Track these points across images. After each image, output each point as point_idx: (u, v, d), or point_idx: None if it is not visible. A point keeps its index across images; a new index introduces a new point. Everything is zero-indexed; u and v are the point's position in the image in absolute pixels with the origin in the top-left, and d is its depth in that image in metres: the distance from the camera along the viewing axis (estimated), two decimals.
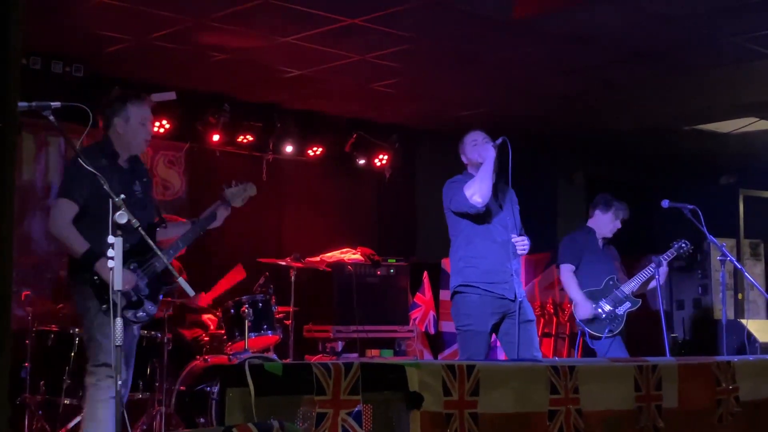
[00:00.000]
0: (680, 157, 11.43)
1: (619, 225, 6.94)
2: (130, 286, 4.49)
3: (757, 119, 9.40)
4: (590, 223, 6.98)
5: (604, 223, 6.89)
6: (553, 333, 9.02)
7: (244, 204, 5.12)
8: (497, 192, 5.63)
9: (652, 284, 6.74)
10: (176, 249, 4.79)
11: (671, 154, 11.26)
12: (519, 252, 5.53)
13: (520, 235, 5.58)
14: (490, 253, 5.49)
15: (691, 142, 10.53)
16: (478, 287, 5.46)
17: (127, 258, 4.47)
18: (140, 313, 4.58)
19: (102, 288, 4.40)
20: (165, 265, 4.55)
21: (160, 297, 4.71)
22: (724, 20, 6.48)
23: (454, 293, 5.58)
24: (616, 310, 6.69)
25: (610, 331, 6.65)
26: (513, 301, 5.46)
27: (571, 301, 6.91)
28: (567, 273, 6.79)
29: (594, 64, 7.58)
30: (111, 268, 3.96)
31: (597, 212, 6.94)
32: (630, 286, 6.77)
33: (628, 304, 6.73)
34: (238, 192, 5.05)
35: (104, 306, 4.41)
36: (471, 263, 5.51)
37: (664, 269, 6.75)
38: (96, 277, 4.41)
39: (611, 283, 6.78)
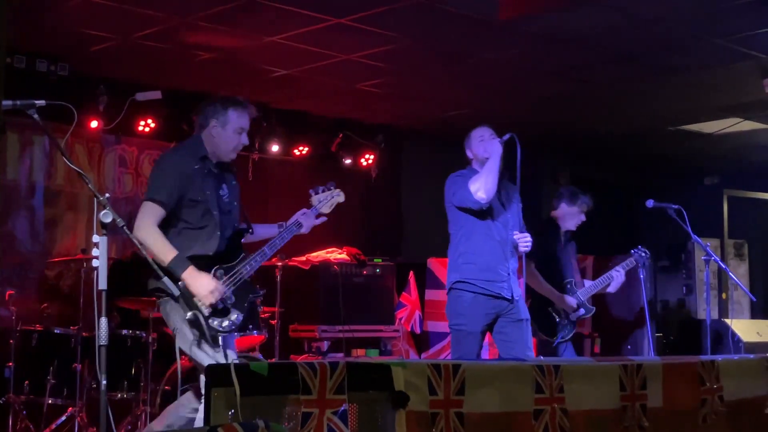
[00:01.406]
0: (665, 158, 11.48)
1: (584, 218, 6.77)
2: (217, 297, 4.31)
3: (741, 120, 9.45)
4: (553, 214, 6.81)
5: (570, 215, 6.73)
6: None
7: (331, 210, 5.01)
8: (500, 189, 5.58)
9: (609, 290, 6.77)
10: (263, 257, 4.62)
11: (656, 154, 11.31)
12: (522, 249, 5.51)
13: (522, 232, 5.57)
14: (489, 250, 5.47)
15: (675, 143, 10.58)
16: (474, 284, 5.44)
17: (214, 263, 4.41)
18: (225, 323, 4.37)
19: (190, 296, 4.28)
20: (251, 272, 4.50)
21: (247, 305, 4.49)
22: (707, 22, 6.51)
23: (450, 289, 5.57)
24: (570, 316, 6.56)
25: (563, 337, 6.51)
26: (509, 301, 5.46)
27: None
28: (530, 269, 6.34)
29: (579, 65, 7.60)
30: (198, 277, 3.94)
31: (563, 205, 6.75)
32: (586, 293, 6.67)
33: (582, 311, 6.61)
34: (325, 198, 4.96)
35: (189, 314, 4.25)
36: (469, 260, 5.49)
37: (620, 277, 6.72)
38: (182, 285, 4.25)
39: (569, 287, 6.62)
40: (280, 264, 7.12)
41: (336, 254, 8.27)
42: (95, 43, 7.00)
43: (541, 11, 6.33)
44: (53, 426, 6.10)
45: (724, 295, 10.83)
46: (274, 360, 6.72)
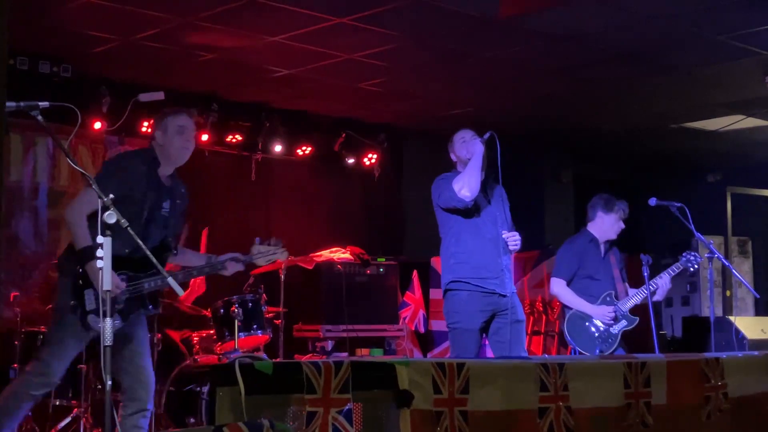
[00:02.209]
0: (667, 156, 11.47)
1: (622, 225, 6.45)
2: (119, 290, 4.37)
3: (744, 117, 9.44)
4: (591, 227, 6.46)
5: (609, 224, 6.40)
6: (543, 331, 9.02)
7: (266, 265, 4.97)
8: (486, 188, 5.63)
9: (656, 297, 6.35)
10: (187, 276, 4.71)
11: (658, 152, 11.30)
12: (511, 248, 5.53)
13: (511, 231, 5.58)
14: (480, 249, 5.49)
15: (678, 141, 10.57)
16: (468, 283, 5.46)
17: (121, 266, 4.43)
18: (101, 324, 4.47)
19: (82, 285, 4.37)
20: (154, 288, 4.51)
21: (131, 317, 4.51)
22: (709, 19, 6.51)
23: (445, 291, 5.58)
24: (611, 329, 6.24)
25: (601, 351, 6.18)
26: (504, 296, 5.46)
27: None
28: (559, 287, 6.32)
29: (580, 63, 7.60)
30: (100, 269, 3.96)
31: (599, 213, 6.40)
32: (628, 304, 6.31)
33: (624, 323, 6.27)
34: (266, 252, 4.82)
35: (72, 302, 4.37)
36: (461, 259, 5.51)
37: (666, 284, 6.32)
38: (81, 271, 4.37)
39: (608, 299, 6.29)
40: (283, 264, 7.12)
41: (339, 254, 8.27)
42: (98, 44, 7.01)
43: (541, 9, 6.32)
44: (58, 427, 6.10)
45: (728, 293, 10.83)
46: (278, 360, 6.72)
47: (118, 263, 4.39)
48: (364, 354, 8.06)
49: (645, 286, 6.27)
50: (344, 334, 7.88)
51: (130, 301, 4.49)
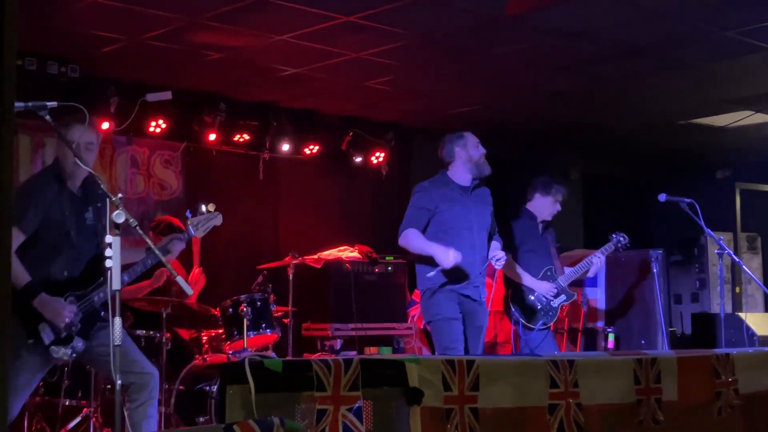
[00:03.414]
0: (676, 152, 11.44)
1: (559, 208, 6.89)
2: (70, 318, 4.37)
3: (753, 113, 9.41)
4: (529, 206, 6.90)
5: (545, 206, 6.85)
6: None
7: (205, 234, 4.81)
8: (469, 194, 5.85)
9: (589, 275, 6.95)
10: (133, 273, 4.53)
11: (667, 148, 11.27)
12: (496, 267, 5.81)
13: (494, 234, 5.90)
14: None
15: (687, 137, 10.54)
16: (444, 286, 5.66)
17: (67, 289, 4.44)
18: (67, 351, 4.41)
19: (34, 321, 4.33)
20: (104, 299, 4.42)
21: (91, 333, 4.50)
22: (717, 14, 6.49)
23: (422, 295, 5.81)
24: (551, 302, 6.67)
25: (544, 323, 6.64)
26: (476, 302, 5.72)
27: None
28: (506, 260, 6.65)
29: (588, 60, 7.58)
30: (50, 302, 3.94)
31: (536, 195, 6.87)
32: (567, 279, 6.78)
33: (563, 297, 6.72)
34: (200, 221, 4.73)
35: (30, 340, 4.33)
36: (436, 267, 5.65)
37: (600, 262, 6.85)
38: (29, 308, 4.31)
39: (549, 273, 6.75)
40: (292, 263, 7.13)
41: (348, 252, 8.27)
42: (105, 44, 7.02)
43: (549, 5, 6.31)
44: (68, 427, 6.11)
45: (737, 289, 10.79)
46: (287, 358, 6.73)
47: (60, 287, 4.45)
48: (373, 352, 8.06)
49: (581, 263, 6.85)
50: (353, 333, 7.88)
51: (85, 319, 4.48)
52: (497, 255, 5.75)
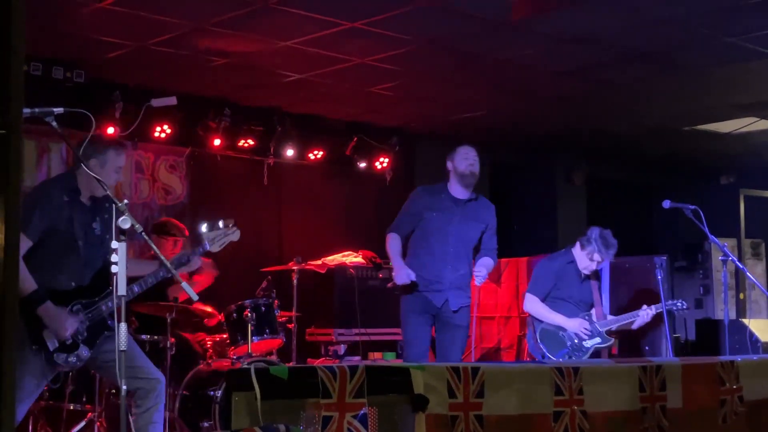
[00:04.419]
0: (680, 158, 11.44)
1: (593, 267, 6.59)
2: (72, 331, 4.38)
3: (757, 119, 9.41)
4: (573, 250, 6.69)
5: (580, 258, 6.61)
6: None
7: (222, 249, 4.82)
8: (453, 207, 6.00)
9: (633, 327, 6.66)
10: (142, 285, 4.56)
11: (671, 154, 11.27)
12: (476, 282, 5.92)
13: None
14: (426, 264, 5.93)
15: (691, 143, 10.54)
16: (413, 291, 5.93)
17: (73, 298, 4.46)
18: (72, 359, 4.43)
19: (38, 328, 4.34)
20: (112, 309, 4.42)
21: (97, 342, 4.51)
22: (721, 20, 6.49)
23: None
24: (584, 342, 6.46)
25: (568, 356, 6.40)
26: (439, 308, 5.90)
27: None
28: (533, 302, 6.52)
29: (593, 65, 7.59)
30: (54, 312, 3.92)
31: (578, 244, 6.65)
32: (606, 325, 6.56)
33: (598, 340, 6.50)
34: (218, 236, 4.76)
35: (35, 347, 4.34)
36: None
37: (647, 317, 6.58)
38: (34, 316, 4.31)
39: (586, 318, 6.55)
40: (296, 268, 7.13)
41: (352, 258, 8.28)
42: (111, 49, 7.03)
43: (553, 11, 6.31)
44: (73, 431, 6.12)
45: (741, 295, 10.79)
46: (291, 364, 6.73)
47: (67, 296, 4.46)
48: (376, 357, 8.06)
49: (627, 314, 6.62)
50: (357, 338, 7.89)
51: (92, 328, 4.50)
52: (480, 272, 5.88)
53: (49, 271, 4.43)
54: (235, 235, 4.83)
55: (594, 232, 6.58)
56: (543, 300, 6.53)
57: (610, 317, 6.65)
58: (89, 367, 4.72)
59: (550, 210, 11.14)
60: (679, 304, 6.75)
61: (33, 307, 4.31)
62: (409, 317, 5.99)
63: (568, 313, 6.51)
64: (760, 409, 4.56)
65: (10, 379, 2.04)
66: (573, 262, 6.62)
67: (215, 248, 4.76)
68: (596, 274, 6.71)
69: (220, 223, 4.78)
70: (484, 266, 5.94)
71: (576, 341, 6.45)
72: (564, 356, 6.39)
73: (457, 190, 6.05)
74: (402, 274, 5.85)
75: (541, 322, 6.50)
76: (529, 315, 6.63)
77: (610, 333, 6.60)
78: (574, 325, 6.45)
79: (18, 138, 2.38)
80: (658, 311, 6.63)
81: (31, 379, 4.40)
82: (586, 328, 6.45)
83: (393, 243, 6.05)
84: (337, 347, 8.01)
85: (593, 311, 6.60)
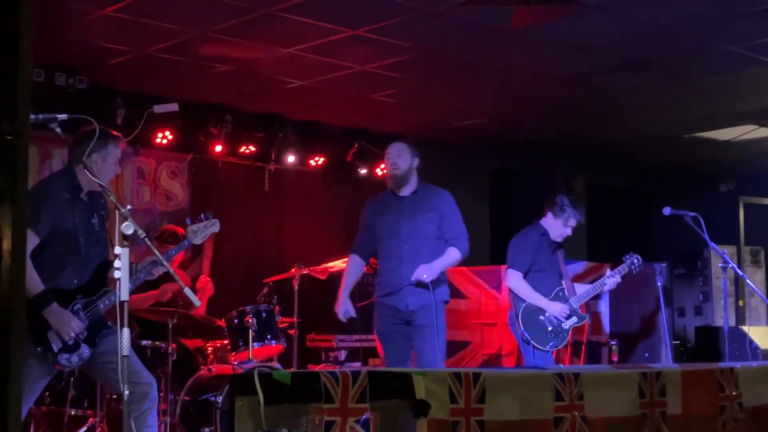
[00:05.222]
0: (680, 165, 11.46)
1: (568, 232, 6.73)
2: (77, 332, 4.41)
3: (756, 127, 9.44)
4: (543, 222, 6.76)
5: (554, 227, 6.70)
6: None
7: (203, 241, 4.91)
8: (398, 205, 5.97)
9: (605, 290, 6.87)
10: (137, 281, 4.59)
11: (671, 161, 11.30)
12: (424, 280, 5.74)
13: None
14: (386, 270, 5.92)
15: (690, 150, 10.57)
16: (379, 300, 5.96)
17: (75, 296, 4.48)
18: (74, 358, 4.45)
19: (42, 328, 4.36)
20: (110, 306, 4.47)
21: (97, 341, 4.54)
22: (721, 28, 6.51)
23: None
24: (563, 324, 6.55)
25: (555, 345, 6.51)
26: (404, 311, 5.82)
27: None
28: (517, 279, 6.56)
29: (593, 73, 7.61)
30: (60, 314, 3.94)
31: (549, 214, 6.72)
32: (578, 300, 6.66)
33: (575, 319, 6.60)
34: (199, 229, 4.85)
35: (39, 348, 4.35)
36: (378, 280, 6.02)
37: (612, 284, 6.76)
38: (38, 317, 4.32)
39: (561, 294, 6.62)
40: (297, 274, 7.15)
41: None
42: (113, 56, 7.06)
43: (553, 19, 6.33)
44: None
45: (741, 302, 10.80)
46: (292, 370, 6.74)
47: (70, 294, 4.48)
48: (377, 364, 8.07)
49: (593, 285, 6.78)
50: (357, 344, 7.90)
51: (91, 327, 4.52)
52: (422, 273, 5.69)
53: (52, 270, 4.44)
54: (215, 227, 4.92)
55: (563, 199, 6.74)
56: (525, 275, 6.57)
57: (579, 290, 6.74)
58: (85, 369, 4.71)
59: None
60: (635, 260, 6.85)
61: (39, 308, 4.32)
62: (379, 333, 6.01)
63: (550, 285, 6.61)
64: (759, 416, 4.57)
65: (16, 386, 2.06)
66: (545, 233, 6.71)
67: (198, 240, 4.87)
68: (560, 245, 6.82)
69: (203, 216, 4.90)
70: (427, 265, 5.71)
71: (556, 324, 6.54)
72: (552, 347, 6.50)
73: (397, 189, 6.03)
74: (339, 311, 5.95)
75: (523, 301, 6.54)
76: (510, 292, 6.67)
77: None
78: (555, 309, 6.53)
79: (25, 144, 2.41)
80: (623, 273, 6.80)
81: (30, 382, 4.41)
82: (565, 311, 6.54)
83: (348, 267, 6.11)
84: (338, 353, 8.03)
85: (564, 283, 6.71)
